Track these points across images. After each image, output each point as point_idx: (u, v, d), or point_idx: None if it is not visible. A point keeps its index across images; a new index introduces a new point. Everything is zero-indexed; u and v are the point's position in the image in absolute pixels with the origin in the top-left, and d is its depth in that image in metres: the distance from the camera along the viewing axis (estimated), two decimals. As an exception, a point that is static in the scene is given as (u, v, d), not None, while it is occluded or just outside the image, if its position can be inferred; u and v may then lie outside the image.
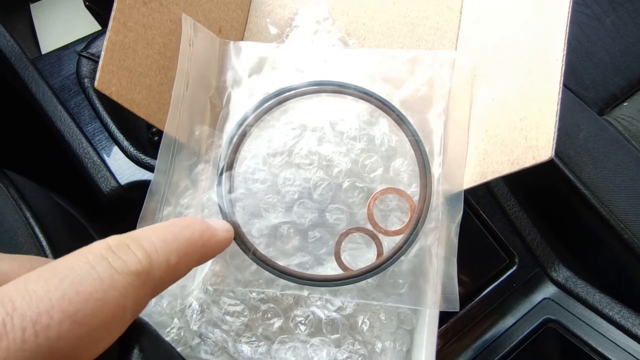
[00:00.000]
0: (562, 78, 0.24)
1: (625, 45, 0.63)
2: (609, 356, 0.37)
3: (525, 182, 0.48)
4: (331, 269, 0.28)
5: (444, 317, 0.42)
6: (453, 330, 0.42)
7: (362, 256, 0.28)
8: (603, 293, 0.41)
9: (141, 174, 0.46)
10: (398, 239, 0.28)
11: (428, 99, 0.30)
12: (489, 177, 0.27)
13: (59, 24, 0.71)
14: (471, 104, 0.31)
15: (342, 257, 0.28)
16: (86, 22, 0.67)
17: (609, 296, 0.40)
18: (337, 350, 0.29)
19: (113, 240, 0.18)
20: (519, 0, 0.30)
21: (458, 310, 0.27)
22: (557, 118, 0.23)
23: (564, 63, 0.24)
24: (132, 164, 0.47)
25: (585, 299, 0.41)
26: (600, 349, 0.38)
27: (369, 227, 0.28)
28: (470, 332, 0.42)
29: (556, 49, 0.25)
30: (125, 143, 0.47)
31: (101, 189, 0.46)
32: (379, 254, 0.27)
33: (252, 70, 0.31)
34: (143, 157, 0.46)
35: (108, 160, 0.48)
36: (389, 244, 0.28)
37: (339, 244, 0.28)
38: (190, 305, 0.30)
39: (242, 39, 0.35)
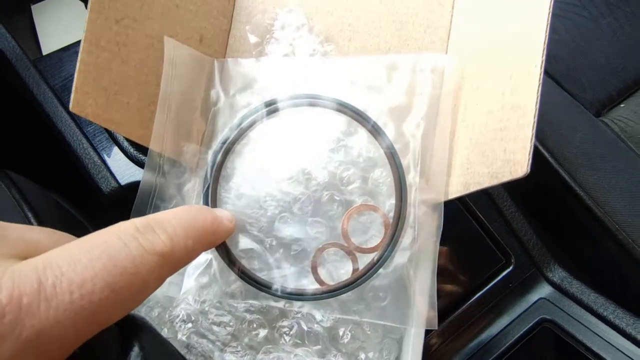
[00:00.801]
0: (541, 87, 0.23)
1: (621, 47, 0.63)
2: (604, 356, 0.38)
3: (521, 183, 0.48)
4: (313, 281, 0.28)
5: (440, 316, 0.42)
6: (449, 330, 0.42)
7: (343, 268, 0.28)
8: (598, 293, 0.41)
9: (141, 175, 0.47)
10: (374, 255, 0.28)
11: (407, 106, 0.30)
12: (471, 189, 0.27)
13: (60, 25, 0.72)
14: (457, 109, 0.30)
15: (321, 271, 0.28)
16: (87, 23, 0.67)
17: (604, 296, 0.41)
18: None
19: (139, 221, 0.19)
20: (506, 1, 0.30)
21: (436, 328, 0.27)
22: (534, 131, 0.23)
23: (542, 71, 0.24)
24: (132, 164, 0.47)
25: (581, 299, 0.41)
26: (594, 349, 0.38)
27: (344, 244, 0.28)
28: (466, 331, 0.43)
29: (536, 54, 0.24)
30: (126, 144, 0.47)
31: (101, 189, 0.46)
32: (354, 270, 0.28)
33: (234, 87, 0.31)
34: (143, 157, 0.47)
35: (108, 160, 0.48)
36: (368, 257, 0.28)
37: (315, 258, 0.28)
38: (179, 316, 0.31)
39: (225, 47, 0.35)
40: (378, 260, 0.28)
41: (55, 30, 0.72)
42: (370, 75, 0.31)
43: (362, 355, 0.30)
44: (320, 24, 0.35)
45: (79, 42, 0.56)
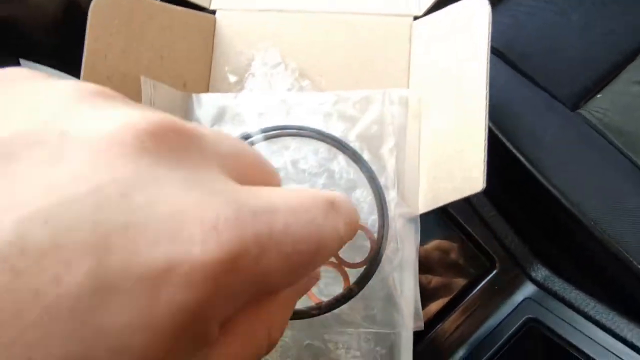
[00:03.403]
0: (487, 113, 0.26)
1: (594, 38, 0.64)
2: (585, 350, 0.39)
3: (500, 187, 0.50)
4: (306, 299, 0.30)
5: (427, 325, 0.44)
6: (438, 339, 0.44)
7: (336, 284, 0.31)
8: (579, 290, 0.42)
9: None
10: (362, 269, 0.30)
11: (380, 135, 0.33)
12: (440, 203, 0.30)
13: (49, 72, 0.74)
14: (421, 134, 0.33)
15: (314, 289, 0.30)
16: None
17: (585, 292, 0.42)
18: None
19: (329, 196, 0.17)
20: (451, 31, 0.32)
21: (423, 328, 0.30)
22: (486, 152, 0.26)
23: (487, 99, 0.26)
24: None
25: (563, 297, 0.43)
26: (577, 344, 0.40)
27: (335, 260, 0.31)
28: (455, 337, 0.44)
29: (480, 84, 0.27)
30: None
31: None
32: (346, 284, 0.30)
33: (214, 120, 0.34)
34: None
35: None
36: (357, 273, 0.31)
37: None
38: None
39: (207, 89, 0.37)
40: (367, 274, 0.30)
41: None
42: (344, 108, 0.34)
43: (357, 364, 0.32)
44: (294, 62, 0.38)
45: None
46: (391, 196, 0.32)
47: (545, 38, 0.64)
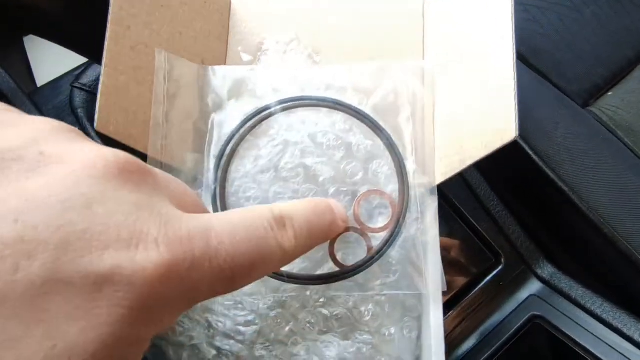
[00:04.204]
0: (515, 60, 0.26)
1: (606, 35, 0.63)
2: (592, 350, 0.39)
3: (508, 182, 0.49)
4: (329, 269, 0.31)
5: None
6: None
7: (355, 253, 0.31)
8: (585, 288, 0.42)
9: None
10: (384, 234, 0.30)
11: (396, 105, 0.33)
12: (468, 162, 0.30)
13: (52, 55, 0.73)
14: (442, 100, 0.33)
15: (337, 256, 0.30)
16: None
17: (591, 290, 0.42)
18: (347, 342, 0.31)
19: (276, 212, 0.20)
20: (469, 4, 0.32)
21: (446, 289, 0.30)
22: (517, 100, 0.26)
23: (514, 42, 0.26)
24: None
25: (569, 294, 0.42)
26: (582, 343, 0.39)
27: (357, 226, 0.31)
28: (458, 332, 0.44)
29: (506, 30, 0.27)
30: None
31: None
32: (369, 249, 0.30)
33: (230, 93, 0.34)
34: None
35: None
36: (378, 239, 0.31)
37: (332, 245, 0.30)
38: (200, 322, 0.32)
39: (224, 67, 0.37)
40: (390, 237, 0.30)
41: (48, 60, 0.74)
42: (358, 80, 0.34)
43: (386, 332, 0.32)
44: (308, 39, 0.38)
45: (71, 71, 0.58)
46: (409, 166, 0.32)
47: (558, 34, 0.63)
